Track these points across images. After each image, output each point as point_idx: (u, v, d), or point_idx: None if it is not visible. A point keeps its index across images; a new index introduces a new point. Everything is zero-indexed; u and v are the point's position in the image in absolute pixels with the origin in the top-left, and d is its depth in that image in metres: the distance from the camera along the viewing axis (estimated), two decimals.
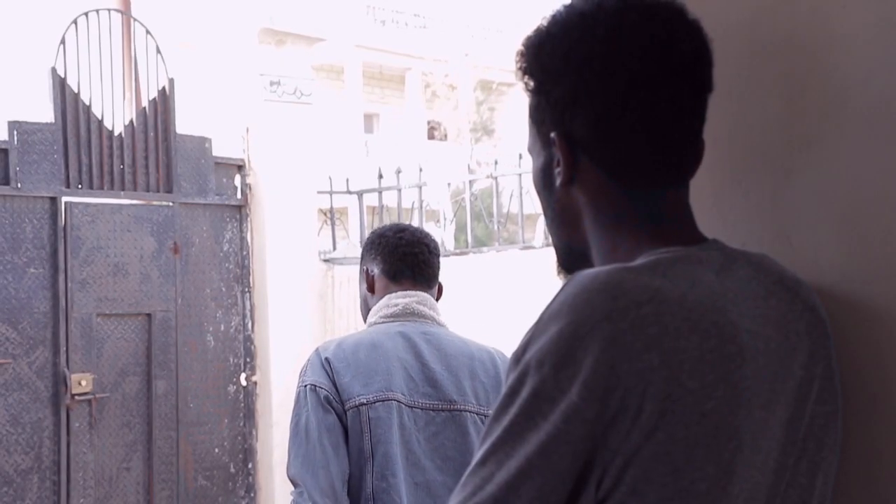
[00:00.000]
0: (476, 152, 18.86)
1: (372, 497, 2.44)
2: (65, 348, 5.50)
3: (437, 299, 2.70)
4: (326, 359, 2.51)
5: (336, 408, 2.47)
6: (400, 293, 2.64)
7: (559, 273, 1.25)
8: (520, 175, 6.22)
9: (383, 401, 2.47)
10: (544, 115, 1.18)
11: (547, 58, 1.16)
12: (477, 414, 2.55)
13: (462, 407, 2.54)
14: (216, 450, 6.17)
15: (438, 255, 2.73)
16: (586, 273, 1.04)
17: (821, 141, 1.22)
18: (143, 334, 5.86)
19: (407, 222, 7.03)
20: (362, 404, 2.46)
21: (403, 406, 2.49)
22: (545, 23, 1.17)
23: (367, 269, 2.71)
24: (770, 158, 1.27)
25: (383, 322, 2.62)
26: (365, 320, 2.73)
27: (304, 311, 6.40)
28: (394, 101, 22.48)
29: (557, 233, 1.23)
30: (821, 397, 1.11)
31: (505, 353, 2.66)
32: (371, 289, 2.70)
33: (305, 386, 2.50)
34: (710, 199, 1.28)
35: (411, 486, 2.46)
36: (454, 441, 2.52)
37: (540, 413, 1.00)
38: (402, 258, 2.65)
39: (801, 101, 1.24)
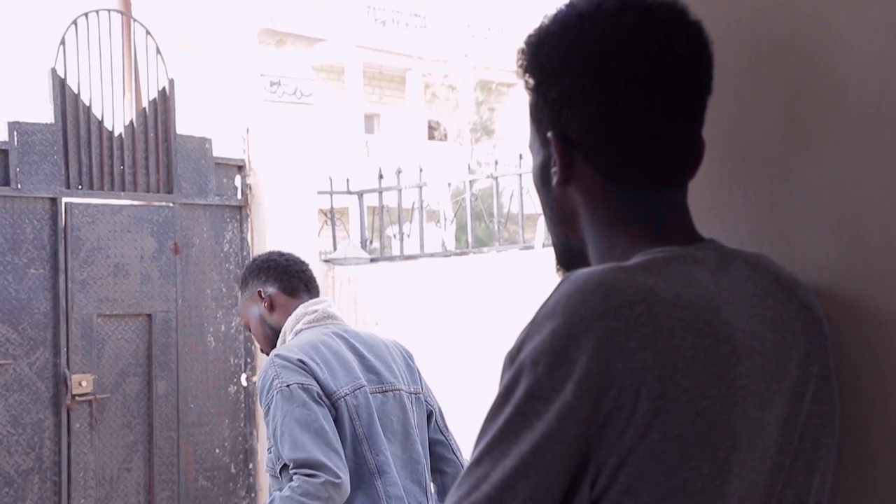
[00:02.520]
0: (476, 152, 18.86)
1: (377, 471, 2.76)
2: (65, 349, 5.50)
3: None
4: (300, 360, 2.77)
5: (325, 402, 2.75)
6: (310, 301, 3.01)
7: (558, 271, 1.25)
8: (520, 175, 6.22)
9: (358, 388, 2.81)
10: (542, 114, 1.18)
11: (545, 57, 1.16)
12: (407, 392, 2.93)
13: (398, 387, 2.91)
14: (217, 450, 6.18)
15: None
16: (580, 272, 1.04)
17: (819, 141, 1.22)
18: (144, 335, 5.86)
19: (406, 222, 7.03)
20: (345, 395, 2.78)
21: (363, 393, 2.82)
22: (546, 21, 1.17)
23: (261, 292, 3.03)
24: (769, 159, 1.27)
25: (309, 327, 2.94)
26: (265, 340, 3.06)
27: None
28: (394, 101, 22.48)
29: (555, 231, 1.23)
30: (817, 397, 1.11)
31: (401, 343, 3.11)
32: (271, 307, 3.02)
33: (289, 385, 2.73)
34: (708, 198, 1.28)
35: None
36: (397, 416, 2.88)
37: (535, 412, 1.00)
38: (296, 275, 3.05)
39: (799, 101, 1.24)
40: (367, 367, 2.88)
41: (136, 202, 5.91)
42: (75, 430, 5.54)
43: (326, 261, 6.78)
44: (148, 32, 6.02)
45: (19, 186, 5.41)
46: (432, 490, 2.96)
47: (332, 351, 2.84)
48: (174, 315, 5.95)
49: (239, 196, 6.40)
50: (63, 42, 5.66)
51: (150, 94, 6.05)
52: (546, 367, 1.00)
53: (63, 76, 5.62)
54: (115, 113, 5.86)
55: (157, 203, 5.99)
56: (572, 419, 0.99)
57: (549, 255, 1.32)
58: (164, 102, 6.03)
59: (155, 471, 5.85)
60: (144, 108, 6.00)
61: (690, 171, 1.17)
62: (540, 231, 6.28)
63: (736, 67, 1.27)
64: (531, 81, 1.18)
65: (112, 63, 5.90)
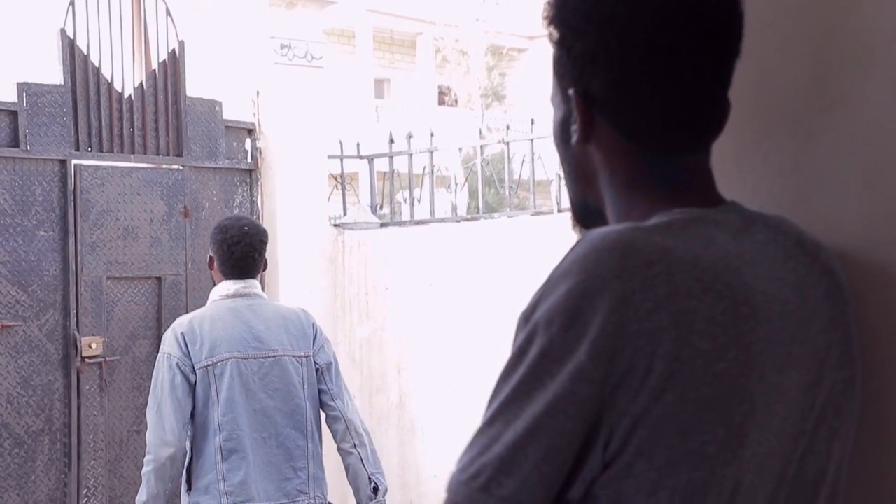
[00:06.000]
0: (487, 118, 18.79)
1: (219, 427, 3.48)
2: (75, 311, 5.50)
3: (264, 270, 3.81)
4: (182, 333, 3.53)
5: (185, 370, 3.48)
6: (231, 281, 3.67)
7: (574, 227, 1.23)
8: (531, 140, 6.18)
9: (224, 360, 3.51)
10: (565, 69, 1.15)
11: (570, 12, 1.13)
12: (292, 356, 3.63)
13: (282, 353, 3.61)
14: None
15: (264, 246, 3.73)
16: (597, 232, 1.02)
17: (844, 102, 1.20)
18: (153, 298, 5.86)
19: (417, 187, 7.00)
20: (209, 365, 3.50)
21: (240, 360, 3.54)
22: None
23: (212, 257, 3.72)
24: (792, 120, 1.24)
25: (220, 300, 3.65)
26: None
27: (314, 275, 6.39)
28: (404, 65, 22.39)
29: (573, 187, 1.21)
30: (840, 363, 1.09)
31: (307, 311, 3.82)
32: (212, 269, 3.74)
33: (164, 354, 3.53)
34: (730, 160, 1.25)
35: (251, 413, 3.53)
36: (279, 377, 3.59)
37: (548, 373, 0.98)
38: (232, 266, 3.65)
39: (823, 61, 1.22)
40: (255, 337, 3.57)
41: (145, 165, 5.89)
42: (85, 392, 5.56)
43: (336, 225, 6.76)
44: None
45: (28, 148, 5.39)
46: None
47: (218, 326, 3.54)
48: (184, 278, 5.94)
49: (249, 159, 6.37)
50: (72, 3, 5.62)
51: (159, 56, 6.01)
52: (560, 328, 0.98)
53: (72, 37, 5.58)
54: (125, 75, 5.82)
55: (166, 166, 5.97)
56: (586, 380, 0.97)
57: (562, 220, 1.30)
58: (173, 65, 5.99)
59: None
60: (154, 71, 5.97)
61: (714, 135, 1.14)
62: (553, 197, 6.25)
63: (759, 26, 1.24)
64: (555, 34, 1.15)
65: (122, 24, 5.86)
